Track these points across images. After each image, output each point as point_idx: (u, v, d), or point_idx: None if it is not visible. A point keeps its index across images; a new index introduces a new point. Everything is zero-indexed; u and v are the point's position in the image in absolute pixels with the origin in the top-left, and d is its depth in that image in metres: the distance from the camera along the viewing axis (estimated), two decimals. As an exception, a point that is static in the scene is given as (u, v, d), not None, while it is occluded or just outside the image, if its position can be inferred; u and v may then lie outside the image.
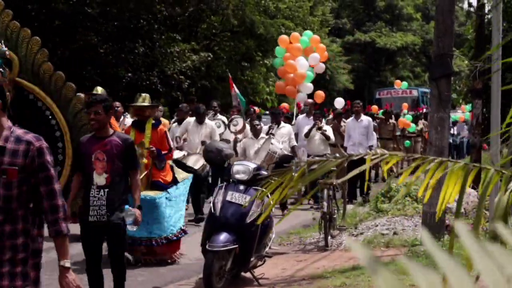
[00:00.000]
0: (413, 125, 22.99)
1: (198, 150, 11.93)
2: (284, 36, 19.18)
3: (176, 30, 27.11)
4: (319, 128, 14.00)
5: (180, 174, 9.50)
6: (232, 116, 14.49)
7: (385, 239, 10.04)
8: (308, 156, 13.66)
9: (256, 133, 11.88)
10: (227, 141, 12.91)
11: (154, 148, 8.88)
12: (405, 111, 29.47)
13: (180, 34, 27.29)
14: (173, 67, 25.74)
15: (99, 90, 10.87)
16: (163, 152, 8.99)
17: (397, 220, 11.27)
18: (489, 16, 13.60)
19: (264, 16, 30.53)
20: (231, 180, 7.91)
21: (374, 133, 15.50)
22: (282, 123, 13.91)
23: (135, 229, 6.51)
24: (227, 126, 13.81)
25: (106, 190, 6.20)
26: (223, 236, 7.26)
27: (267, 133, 11.80)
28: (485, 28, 13.78)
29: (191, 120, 13.00)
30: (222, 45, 30.83)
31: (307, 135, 14.18)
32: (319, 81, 41.42)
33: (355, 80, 45.92)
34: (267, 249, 8.09)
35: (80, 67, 22.45)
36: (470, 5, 14.97)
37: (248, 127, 13.28)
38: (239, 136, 13.47)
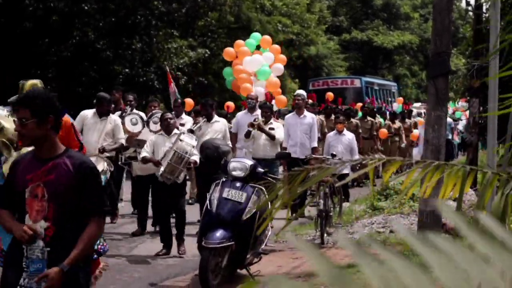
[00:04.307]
0: (414, 131, 21.01)
1: (96, 151, 9.60)
2: (229, 49, 17.38)
3: (173, 26, 27.09)
4: (252, 125, 11.48)
5: None
6: (152, 112, 11.36)
7: (381, 237, 10.06)
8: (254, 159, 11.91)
9: (167, 128, 9.50)
10: (143, 142, 10.12)
11: None
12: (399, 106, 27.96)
13: (177, 30, 27.26)
14: (170, 63, 25.71)
15: (27, 85, 6.39)
16: None
17: (393, 218, 11.29)
18: (486, 15, 13.58)
19: (261, 14, 30.51)
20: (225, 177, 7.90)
21: (317, 133, 13.21)
22: (216, 117, 11.49)
23: None
24: (146, 123, 10.96)
25: (46, 249, 3.76)
26: (219, 233, 7.26)
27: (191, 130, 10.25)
28: (483, 27, 13.76)
29: (89, 113, 10.31)
30: (219, 42, 30.83)
31: (247, 135, 11.62)
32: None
33: (352, 77, 45.89)
34: (263, 246, 8.09)
35: (77, 63, 22.45)
36: (468, 3, 14.96)
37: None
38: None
